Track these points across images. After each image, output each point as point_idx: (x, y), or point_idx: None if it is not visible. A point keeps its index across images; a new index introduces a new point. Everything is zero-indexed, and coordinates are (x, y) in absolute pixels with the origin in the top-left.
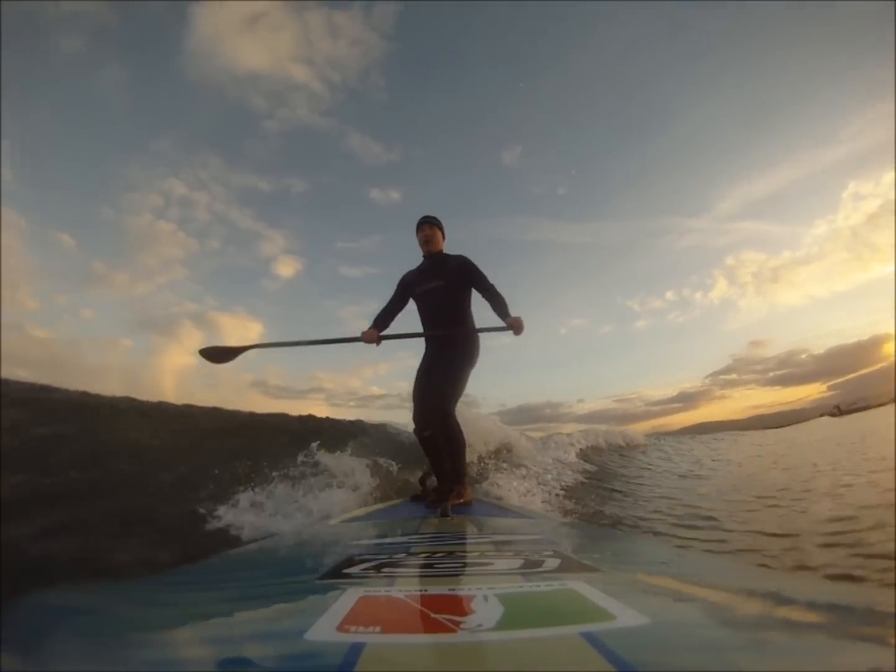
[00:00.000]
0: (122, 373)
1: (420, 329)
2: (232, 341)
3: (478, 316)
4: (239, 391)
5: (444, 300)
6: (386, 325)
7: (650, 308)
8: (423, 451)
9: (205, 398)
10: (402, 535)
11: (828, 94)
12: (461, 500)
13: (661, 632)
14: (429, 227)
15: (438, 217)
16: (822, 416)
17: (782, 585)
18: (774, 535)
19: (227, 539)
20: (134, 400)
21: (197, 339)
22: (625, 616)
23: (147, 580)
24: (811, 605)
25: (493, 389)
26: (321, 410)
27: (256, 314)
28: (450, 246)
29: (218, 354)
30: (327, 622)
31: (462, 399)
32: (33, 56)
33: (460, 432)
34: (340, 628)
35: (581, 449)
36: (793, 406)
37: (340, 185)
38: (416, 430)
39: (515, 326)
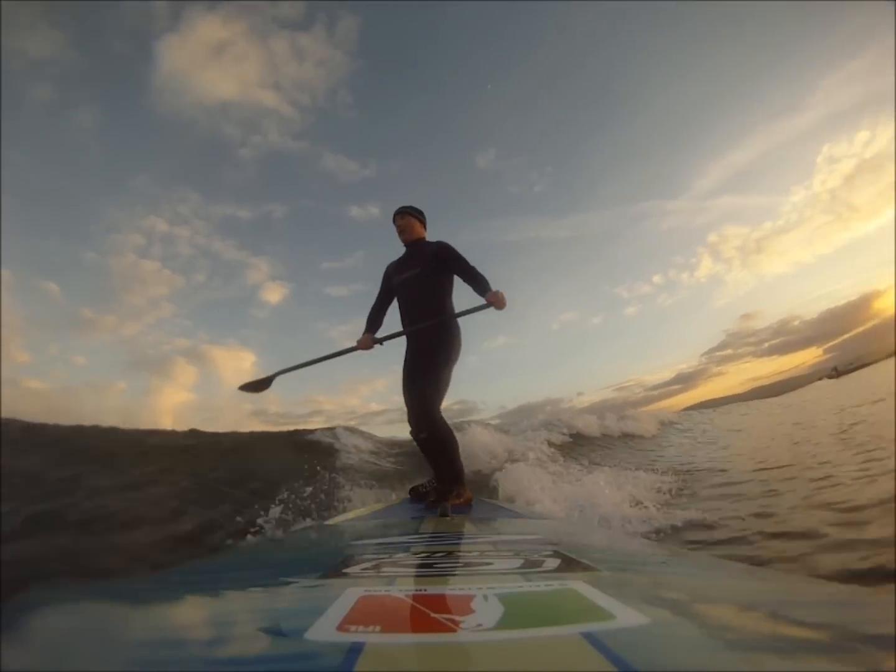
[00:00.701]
0: (119, 414)
1: (398, 321)
2: (227, 373)
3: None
4: (240, 423)
5: (421, 289)
6: (379, 324)
7: (638, 294)
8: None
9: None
10: (402, 535)
11: (794, 61)
12: (461, 500)
13: (661, 632)
14: (401, 216)
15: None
16: (820, 379)
17: (781, 586)
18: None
19: (224, 540)
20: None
21: (192, 375)
22: (625, 616)
23: (147, 580)
24: (811, 606)
25: (492, 393)
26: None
27: (248, 344)
28: None
29: (255, 386)
30: (327, 622)
31: (461, 406)
32: (3, 108)
33: (450, 433)
34: (340, 628)
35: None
36: (791, 374)
37: (319, 206)
38: (411, 433)
39: (496, 302)
